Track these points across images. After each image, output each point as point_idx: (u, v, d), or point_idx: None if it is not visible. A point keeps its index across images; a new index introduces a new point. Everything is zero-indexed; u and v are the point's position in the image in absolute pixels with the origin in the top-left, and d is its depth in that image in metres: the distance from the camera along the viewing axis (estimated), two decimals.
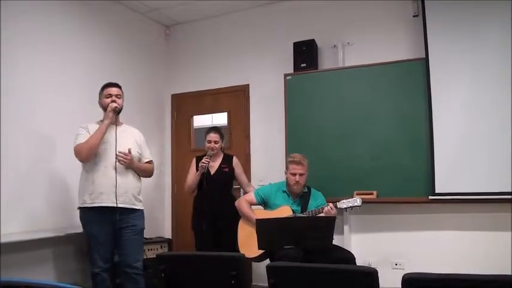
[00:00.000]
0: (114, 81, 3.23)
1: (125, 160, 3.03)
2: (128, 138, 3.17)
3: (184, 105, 5.11)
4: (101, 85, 4.17)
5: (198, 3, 4.62)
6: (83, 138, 3.05)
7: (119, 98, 3.16)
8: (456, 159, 3.52)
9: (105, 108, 3.13)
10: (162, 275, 2.31)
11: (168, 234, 4.93)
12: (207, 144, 3.73)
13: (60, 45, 3.85)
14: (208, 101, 4.98)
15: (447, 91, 3.59)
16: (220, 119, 5.01)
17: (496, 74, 3.42)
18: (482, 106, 3.47)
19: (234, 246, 3.55)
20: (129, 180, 3.09)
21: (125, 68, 4.50)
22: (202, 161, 3.60)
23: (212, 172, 3.71)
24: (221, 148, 3.83)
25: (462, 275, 1.71)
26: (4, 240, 3.00)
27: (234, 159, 3.84)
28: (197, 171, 3.68)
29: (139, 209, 3.17)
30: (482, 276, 1.68)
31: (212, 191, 3.61)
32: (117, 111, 3.15)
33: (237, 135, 4.76)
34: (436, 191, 3.55)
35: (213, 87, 4.89)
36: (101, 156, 3.05)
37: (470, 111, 3.51)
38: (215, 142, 3.71)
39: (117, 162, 3.03)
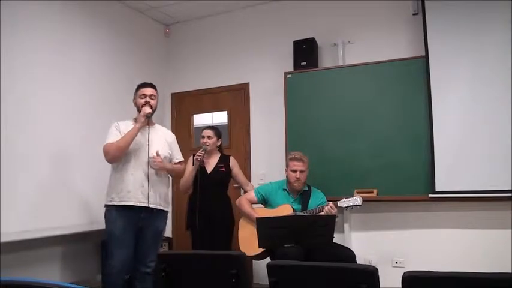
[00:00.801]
0: (147, 82, 3.20)
1: (156, 163, 3.04)
2: (159, 139, 3.17)
3: (185, 104, 5.11)
4: (101, 84, 4.23)
5: (198, 1, 4.62)
6: (112, 137, 3.04)
7: (153, 98, 3.15)
8: (456, 157, 3.52)
9: (139, 108, 3.13)
10: (163, 274, 2.30)
11: (168, 233, 4.92)
12: (201, 140, 3.74)
13: (60, 44, 3.86)
14: (208, 99, 4.98)
15: (447, 89, 3.59)
16: (220, 117, 5.01)
17: (496, 71, 3.42)
18: (482, 104, 3.47)
19: (228, 246, 3.55)
20: (157, 181, 3.10)
21: (125, 67, 4.51)
22: (197, 153, 3.59)
23: (209, 171, 3.71)
24: (218, 148, 3.82)
25: (462, 273, 1.71)
26: (8, 239, 3.02)
27: (231, 159, 3.84)
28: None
29: (164, 210, 3.18)
30: (483, 274, 1.68)
31: (207, 189, 3.60)
32: (150, 116, 3.15)
33: (237, 133, 4.76)
34: (437, 189, 3.55)
35: (213, 86, 4.89)
36: (131, 156, 3.05)
37: (470, 109, 3.51)
38: (208, 137, 3.70)
39: (148, 163, 3.04)
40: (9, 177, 3.30)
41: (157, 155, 3.05)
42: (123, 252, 3.00)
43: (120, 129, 3.08)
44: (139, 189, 3.01)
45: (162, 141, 3.17)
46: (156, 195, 3.07)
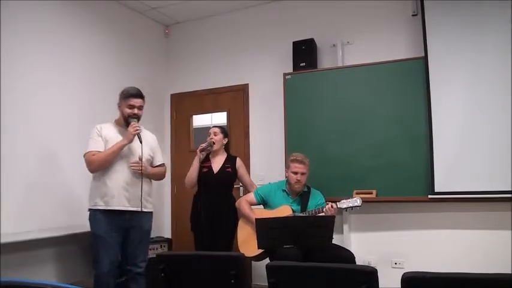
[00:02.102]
0: (138, 91, 3.11)
1: (137, 168, 3.03)
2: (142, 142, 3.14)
3: (184, 105, 5.11)
4: (100, 85, 4.21)
5: (198, 2, 4.62)
6: (94, 144, 3.03)
7: (140, 109, 3.11)
8: (456, 158, 3.52)
9: (124, 116, 3.08)
10: (162, 274, 2.30)
11: (167, 234, 4.93)
12: (208, 138, 3.72)
13: (60, 45, 3.85)
14: (207, 100, 4.98)
15: (446, 90, 3.59)
16: (219, 118, 5.00)
17: (495, 72, 3.42)
18: (481, 104, 3.47)
19: (228, 246, 3.54)
20: (140, 184, 3.08)
21: (124, 67, 4.50)
22: (201, 144, 3.60)
23: (215, 170, 3.70)
24: (224, 147, 3.82)
25: (462, 273, 1.71)
26: (5, 240, 3.00)
27: (238, 160, 3.82)
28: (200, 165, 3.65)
29: (148, 211, 3.18)
30: (482, 275, 1.68)
31: (213, 189, 3.60)
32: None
33: (236, 134, 4.76)
34: (436, 190, 3.55)
35: (213, 87, 4.89)
36: (114, 160, 3.03)
37: (470, 110, 3.51)
38: (215, 134, 3.71)
39: (129, 168, 3.04)
40: (4, 177, 3.28)
41: (140, 159, 3.05)
42: (110, 254, 2.99)
43: (102, 133, 3.06)
44: (122, 194, 3.01)
45: (143, 144, 3.13)
46: (139, 198, 3.06)
